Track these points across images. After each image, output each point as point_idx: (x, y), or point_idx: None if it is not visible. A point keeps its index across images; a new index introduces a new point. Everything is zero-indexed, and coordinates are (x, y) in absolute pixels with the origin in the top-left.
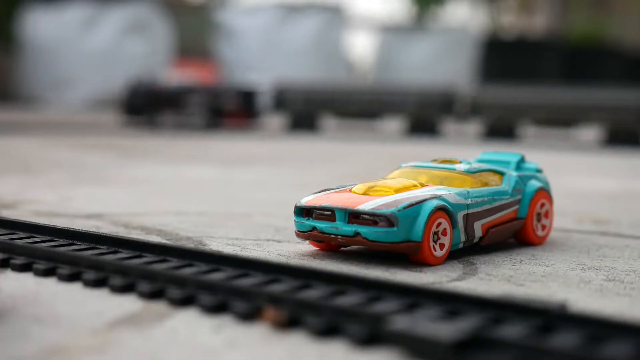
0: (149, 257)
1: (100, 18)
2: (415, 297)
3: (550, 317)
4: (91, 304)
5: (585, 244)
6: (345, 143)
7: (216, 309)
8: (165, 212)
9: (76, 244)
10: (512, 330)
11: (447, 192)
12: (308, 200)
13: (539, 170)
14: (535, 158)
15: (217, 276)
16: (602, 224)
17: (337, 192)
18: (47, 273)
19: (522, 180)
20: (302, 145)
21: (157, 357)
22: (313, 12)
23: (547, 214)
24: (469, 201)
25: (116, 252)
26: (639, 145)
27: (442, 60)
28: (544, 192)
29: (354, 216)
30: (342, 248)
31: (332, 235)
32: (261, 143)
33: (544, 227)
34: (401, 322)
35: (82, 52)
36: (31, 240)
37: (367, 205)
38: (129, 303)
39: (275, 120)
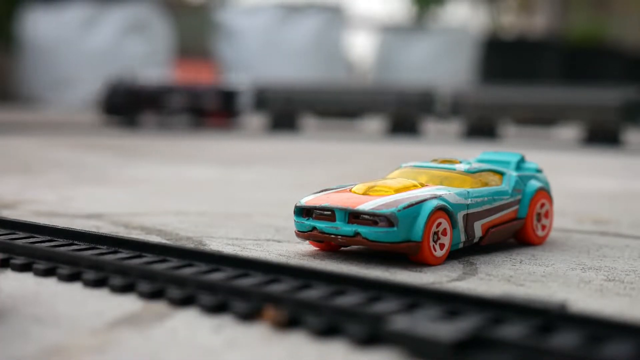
0: (149, 257)
1: (100, 18)
2: (415, 297)
3: (550, 317)
4: (91, 304)
5: (585, 244)
6: (343, 143)
7: (216, 309)
8: (165, 212)
9: (76, 244)
10: (512, 330)
11: (447, 192)
12: (308, 200)
13: (539, 170)
14: (536, 158)
15: (217, 276)
16: (602, 224)
17: (337, 192)
18: (47, 273)
19: (522, 180)
20: (302, 146)
21: (157, 357)
22: (313, 12)
23: (547, 214)
24: (469, 201)
25: (116, 252)
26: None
27: (442, 60)
28: (544, 192)
29: (354, 216)
30: (342, 248)
31: (332, 235)
32: (260, 143)
33: (544, 227)
34: (401, 322)
35: (82, 52)
36: (31, 240)
37: (367, 205)
38: (129, 303)
39: (255, 120)
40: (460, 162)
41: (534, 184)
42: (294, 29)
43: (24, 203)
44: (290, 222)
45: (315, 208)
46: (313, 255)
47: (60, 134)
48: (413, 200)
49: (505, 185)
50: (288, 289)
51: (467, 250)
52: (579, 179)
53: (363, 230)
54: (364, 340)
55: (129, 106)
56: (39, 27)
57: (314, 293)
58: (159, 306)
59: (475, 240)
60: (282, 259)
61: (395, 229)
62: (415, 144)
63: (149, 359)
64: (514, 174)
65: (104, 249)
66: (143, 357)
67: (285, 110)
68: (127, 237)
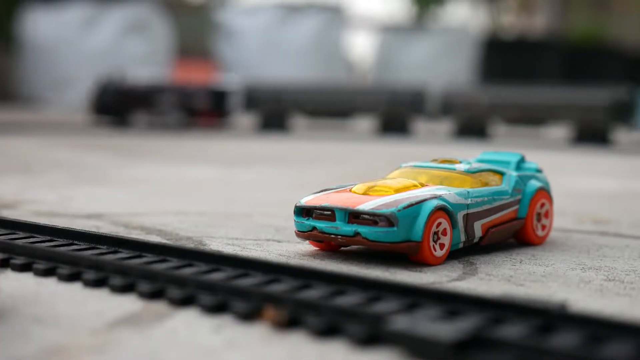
0: (149, 257)
1: (100, 18)
2: (415, 297)
3: (550, 317)
4: (91, 304)
5: (585, 244)
6: (340, 143)
7: (216, 309)
8: (165, 212)
9: (76, 244)
10: (512, 330)
11: (447, 192)
12: (308, 200)
13: (539, 170)
14: (534, 158)
15: (217, 276)
16: (602, 224)
17: (337, 192)
18: (47, 273)
19: (522, 180)
20: (301, 146)
21: (157, 357)
22: (313, 12)
23: (547, 214)
24: (469, 201)
25: (116, 252)
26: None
27: (442, 60)
28: (544, 192)
29: (354, 216)
30: (342, 248)
31: (332, 235)
32: (255, 143)
33: (544, 227)
34: (401, 322)
35: (82, 52)
36: (31, 240)
37: (367, 205)
38: (129, 303)
39: (245, 120)
40: (460, 162)
41: (534, 183)
42: (294, 29)
43: (24, 203)
44: (290, 222)
45: (315, 208)
46: (313, 255)
47: (60, 134)
48: (413, 200)
49: (505, 185)
50: (288, 289)
51: (467, 250)
52: (578, 179)
53: (363, 230)
54: (364, 340)
55: (119, 106)
56: (39, 27)
57: (314, 293)
58: (159, 306)
59: (475, 240)
60: (282, 259)
61: (395, 229)
62: (412, 144)
63: (149, 359)
64: (514, 174)
65: (104, 249)
66: (143, 357)
67: (275, 110)
68: (127, 237)
